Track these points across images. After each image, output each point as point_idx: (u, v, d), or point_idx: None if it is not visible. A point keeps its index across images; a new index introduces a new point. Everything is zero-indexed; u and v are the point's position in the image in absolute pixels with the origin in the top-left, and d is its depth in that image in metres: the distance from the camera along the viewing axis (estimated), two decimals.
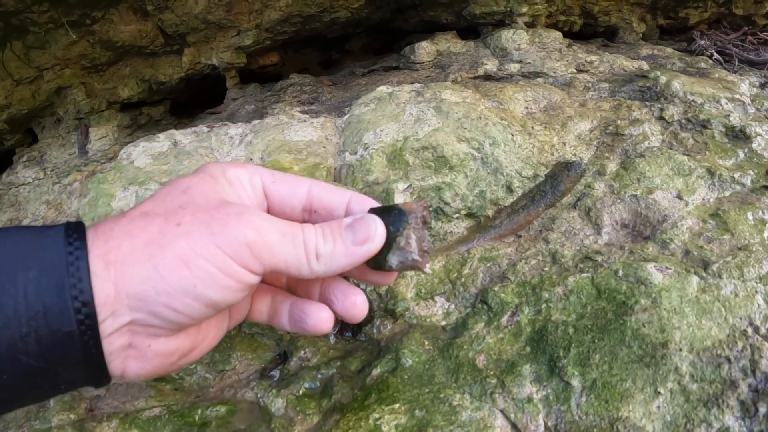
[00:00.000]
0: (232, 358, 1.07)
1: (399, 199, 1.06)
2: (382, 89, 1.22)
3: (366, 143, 1.14)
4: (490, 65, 1.38)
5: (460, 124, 1.15)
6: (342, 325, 1.05)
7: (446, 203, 1.09)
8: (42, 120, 1.58)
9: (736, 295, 0.94)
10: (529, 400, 0.86)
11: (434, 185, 1.10)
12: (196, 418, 1.00)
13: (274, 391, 0.98)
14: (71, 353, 0.43)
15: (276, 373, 1.02)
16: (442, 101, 1.19)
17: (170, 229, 0.47)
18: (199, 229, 0.47)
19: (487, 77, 1.36)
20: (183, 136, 1.29)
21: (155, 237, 0.46)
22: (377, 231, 0.54)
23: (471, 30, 1.54)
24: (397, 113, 1.17)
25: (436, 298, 1.02)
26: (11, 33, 1.35)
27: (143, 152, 1.29)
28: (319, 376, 0.98)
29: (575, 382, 0.86)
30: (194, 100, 1.70)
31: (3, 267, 0.42)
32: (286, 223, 0.52)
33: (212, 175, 0.54)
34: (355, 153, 1.14)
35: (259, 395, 1.00)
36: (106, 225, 0.48)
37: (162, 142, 1.29)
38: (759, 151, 1.26)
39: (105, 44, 1.41)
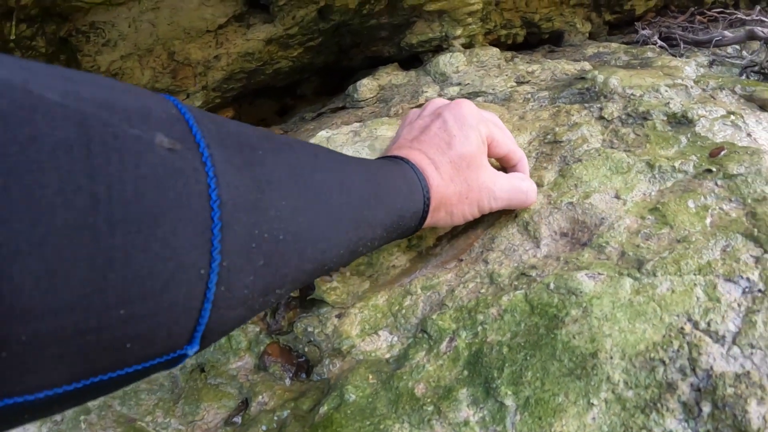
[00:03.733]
0: (200, 409, 1.10)
1: None
2: (322, 134, 1.25)
3: None
4: (430, 92, 1.39)
5: None
6: (297, 367, 1.08)
7: None
8: None
9: (673, 291, 0.92)
10: (466, 423, 0.87)
11: None
12: None
13: None
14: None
15: (238, 419, 1.05)
16: (376, 138, 1.21)
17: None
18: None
19: None
20: None
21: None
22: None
23: (415, 58, 1.55)
24: None
25: (380, 332, 1.04)
26: None
27: None
28: (275, 418, 1.00)
29: (509, 402, 0.86)
30: None
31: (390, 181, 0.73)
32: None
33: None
34: None
35: None
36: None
37: None
38: (703, 134, 1.23)
39: None
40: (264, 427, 0.99)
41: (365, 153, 1.18)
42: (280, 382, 1.06)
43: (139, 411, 1.16)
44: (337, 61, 1.58)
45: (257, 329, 1.12)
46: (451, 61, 1.43)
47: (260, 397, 1.05)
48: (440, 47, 1.48)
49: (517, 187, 1.01)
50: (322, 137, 1.26)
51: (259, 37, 1.39)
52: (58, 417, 1.22)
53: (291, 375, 1.06)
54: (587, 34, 1.73)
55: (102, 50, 1.36)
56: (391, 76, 1.47)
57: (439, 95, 1.39)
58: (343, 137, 1.24)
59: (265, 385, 1.06)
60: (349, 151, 1.20)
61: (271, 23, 1.38)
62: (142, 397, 1.17)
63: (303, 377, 1.07)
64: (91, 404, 1.20)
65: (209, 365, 1.14)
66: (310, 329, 1.07)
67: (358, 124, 1.28)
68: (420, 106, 1.40)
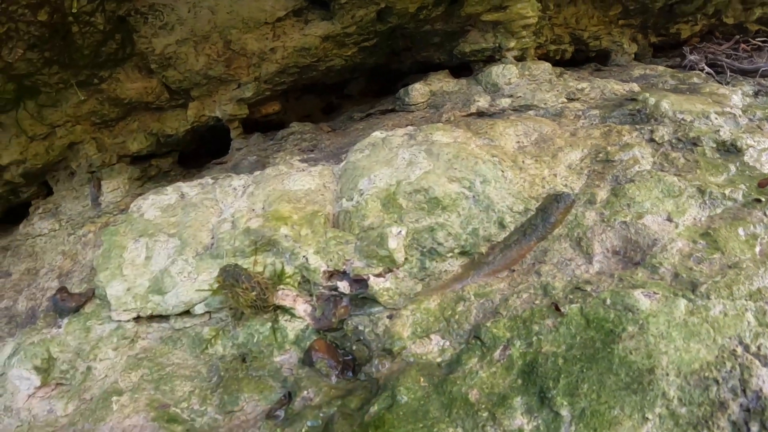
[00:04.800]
0: (240, 400, 1.14)
1: (392, 243, 1.14)
2: (376, 135, 1.30)
3: (361, 189, 1.22)
4: (482, 102, 1.45)
5: (451, 165, 1.22)
6: (344, 366, 1.13)
7: (440, 243, 1.16)
8: (56, 173, 1.71)
9: (725, 314, 0.98)
10: (520, 431, 0.92)
11: (428, 226, 1.17)
12: None
13: (278, 430, 1.06)
14: None
15: (281, 413, 1.10)
16: (433, 143, 1.26)
17: None
18: None
19: (480, 114, 1.43)
20: (189, 189, 1.39)
21: None
22: None
23: (464, 67, 1.61)
24: (390, 158, 1.25)
25: (432, 336, 1.09)
26: (24, 93, 1.47)
27: (152, 205, 1.39)
28: (321, 414, 1.04)
29: (564, 412, 0.91)
30: (202, 150, 1.81)
31: None
32: None
33: None
34: (351, 199, 1.22)
35: None
36: None
37: (170, 194, 1.39)
38: (751, 163, 1.30)
39: (113, 101, 1.53)
40: (309, 423, 1.04)
41: (422, 157, 1.24)
42: (326, 379, 1.11)
43: (173, 397, 1.19)
44: (387, 64, 1.64)
45: (304, 324, 1.17)
46: (503, 73, 1.49)
47: (305, 392, 1.10)
48: (492, 58, 1.54)
49: None
50: (376, 138, 1.32)
51: (316, 33, 1.44)
52: (86, 394, 1.26)
53: (337, 372, 1.11)
54: (633, 55, 1.80)
55: (159, 33, 1.41)
56: (442, 83, 1.53)
57: (491, 105, 1.45)
58: (398, 139, 1.30)
59: (311, 381, 1.10)
60: (405, 154, 1.26)
61: (330, 20, 1.43)
62: (176, 383, 1.21)
63: (349, 375, 1.12)
64: (123, 385, 1.24)
65: (251, 356, 1.18)
66: (360, 328, 1.12)
67: (411, 128, 1.33)
68: (471, 114, 1.47)
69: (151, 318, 1.29)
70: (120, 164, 1.65)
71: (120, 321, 1.29)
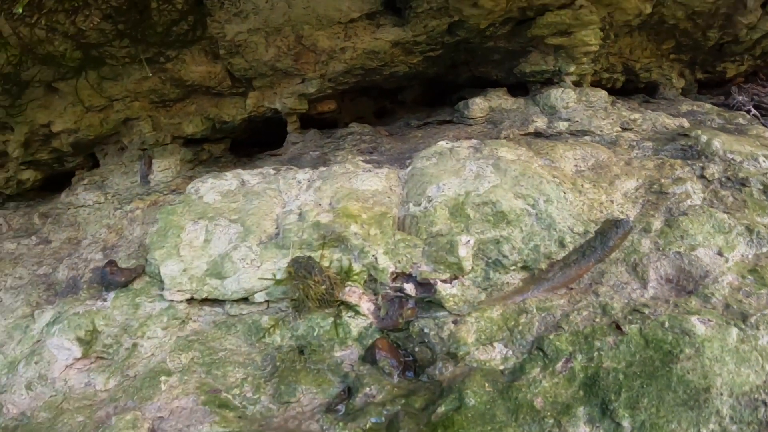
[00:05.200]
0: (297, 391, 1.23)
1: (462, 251, 1.25)
2: (442, 144, 1.42)
3: (429, 196, 1.33)
4: (540, 123, 1.57)
5: (517, 182, 1.34)
6: (405, 366, 1.23)
7: (504, 256, 1.27)
8: (106, 147, 1.79)
9: None
10: None
11: (493, 238, 1.29)
12: None
13: (340, 423, 1.15)
14: None
15: (342, 408, 1.19)
16: (499, 158, 1.38)
17: None
18: None
19: (537, 134, 1.55)
20: (250, 177, 1.49)
21: None
22: None
23: (520, 86, 1.74)
24: (457, 168, 1.37)
25: (495, 344, 1.20)
26: (88, 63, 1.56)
27: (212, 188, 1.48)
28: (385, 412, 1.14)
29: (626, 423, 1.03)
30: (252, 140, 1.90)
31: None
32: None
33: None
34: (419, 204, 1.33)
35: (324, 427, 1.17)
36: None
37: (230, 180, 1.49)
38: None
39: (175, 82, 1.63)
40: (373, 419, 1.14)
41: (490, 170, 1.35)
42: (388, 378, 1.21)
43: (225, 383, 1.28)
44: (444, 75, 1.76)
45: (368, 322, 1.27)
46: (562, 96, 1.62)
47: (367, 389, 1.20)
48: (550, 80, 1.67)
49: None
50: (443, 147, 1.43)
51: (386, 38, 1.56)
52: (130, 371, 1.34)
53: (399, 372, 1.21)
54: (680, 90, 1.95)
55: (232, 19, 1.51)
56: (501, 100, 1.66)
57: (548, 127, 1.58)
58: (465, 151, 1.41)
59: (373, 378, 1.20)
60: (473, 166, 1.37)
61: (401, 27, 1.55)
62: (229, 369, 1.30)
63: (410, 376, 1.22)
64: (172, 366, 1.32)
65: (310, 349, 1.28)
66: (426, 330, 1.23)
67: (476, 141, 1.45)
68: (528, 134, 1.59)
69: (204, 301, 1.38)
70: (173, 145, 1.74)
71: (172, 301, 1.38)
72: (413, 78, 1.74)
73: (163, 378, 1.29)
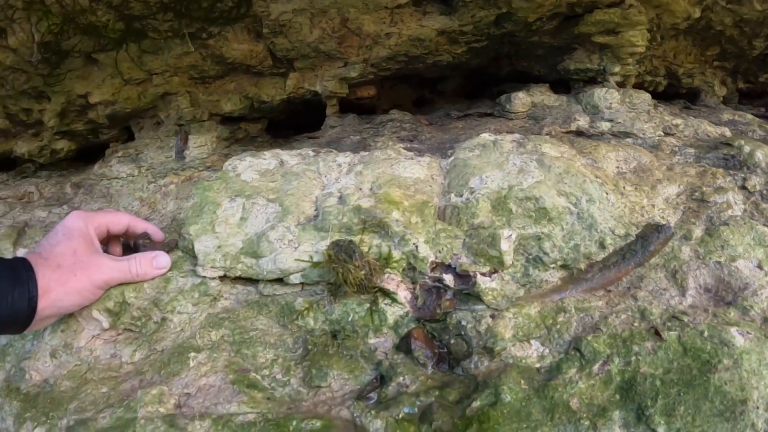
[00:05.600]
0: (329, 376, 1.23)
1: (504, 245, 1.24)
2: (486, 137, 1.41)
3: (472, 187, 1.32)
4: (582, 122, 1.56)
5: (561, 179, 1.33)
6: (439, 358, 1.23)
7: (545, 253, 1.27)
8: (142, 120, 1.79)
9: None
10: None
11: (534, 235, 1.28)
12: (291, 429, 1.16)
13: (372, 412, 1.15)
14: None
15: (374, 396, 1.19)
16: (543, 155, 1.38)
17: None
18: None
19: (579, 133, 1.55)
20: (289, 157, 1.48)
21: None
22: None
23: (560, 83, 1.73)
24: (501, 162, 1.36)
25: (532, 341, 1.20)
26: (130, 35, 1.56)
27: (249, 167, 1.48)
28: (418, 402, 1.14)
29: (661, 430, 1.03)
30: (289, 122, 1.90)
31: None
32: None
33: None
34: (461, 195, 1.33)
35: (355, 414, 1.17)
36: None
37: (268, 159, 1.48)
38: None
39: (216, 59, 1.62)
40: (407, 410, 1.14)
41: (533, 166, 1.35)
42: (422, 368, 1.21)
43: (255, 363, 1.27)
44: (485, 67, 1.75)
45: (404, 310, 1.27)
46: (606, 96, 1.61)
47: (401, 378, 1.19)
48: (594, 79, 1.66)
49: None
50: (486, 140, 1.43)
51: (433, 26, 1.55)
52: (158, 345, 1.34)
53: (433, 363, 1.21)
54: (721, 98, 1.94)
55: None
56: (544, 96, 1.65)
57: (590, 126, 1.57)
58: (508, 145, 1.41)
59: (407, 368, 1.20)
60: (516, 161, 1.36)
61: (448, 16, 1.54)
62: (258, 349, 1.29)
63: (444, 368, 1.22)
64: (201, 343, 1.31)
65: (344, 334, 1.27)
66: (463, 323, 1.23)
67: (519, 136, 1.44)
68: (570, 132, 1.58)
69: (237, 279, 1.38)
70: (210, 122, 1.74)
71: (205, 277, 1.38)
72: (455, 68, 1.73)
73: (192, 354, 1.29)
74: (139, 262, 1.34)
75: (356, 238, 1.28)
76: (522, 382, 1.14)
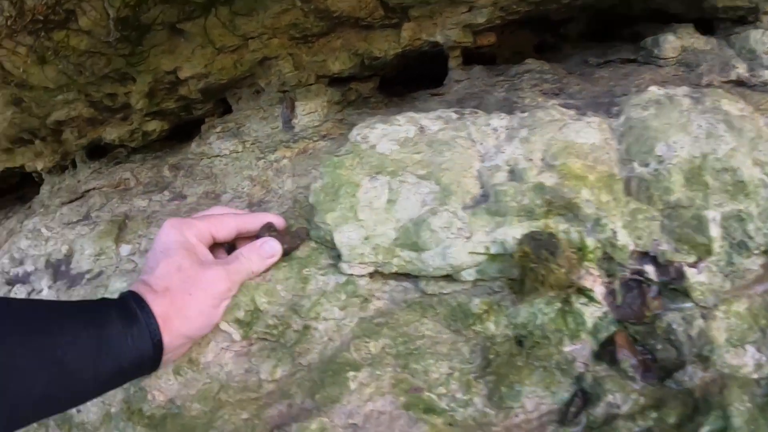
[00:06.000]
0: (522, 394, 1.06)
1: (714, 230, 1.07)
2: (656, 91, 1.23)
3: (659, 155, 1.14)
4: (741, 69, 1.39)
5: (755, 145, 1.17)
6: (644, 367, 1.06)
7: (750, 237, 1.10)
8: (238, 91, 1.58)
9: None
10: None
11: (734, 213, 1.11)
12: None
13: None
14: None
15: (583, 419, 1.02)
16: (727, 114, 1.20)
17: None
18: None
19: (739, 83, 1.39)
20: (429, 122, 1.27)
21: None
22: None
23: (700, 22, 1.54)
24: (683, 123, 1.18)
25: (747, 347, 1.04)
26: None
27: (384, 136, 1.27)
28: (636, 429, 0.98)
29: None
30: (399, 78, 1.69)
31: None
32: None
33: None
34: (646, 165, 1.15)
35: None
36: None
37: (404, 126, 1.27)
38: None
39: (320, 14, 1.39)
40: None
41: (722, 129, 1.18)
42: (630, 382, 1.05)
43: (427, 379, 1.10)
44: (615, 6, 1.55)
45: (602, 311, 1.10)
46: (763, 39, 1.43)
47: (610, 396, 1.03)
48: (744, 18, 1.47)
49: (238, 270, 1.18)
50: (657, 95, 1.24)
51: None
52: (302, 359, 1.15)
53: (640, 374, 1.05)
54: None
55: None
56: (693, 39, 1.46)
57: (751, 75, 1.40)
58: (685, 101, 1.22)
59: (614, 383, 1.04)
60: (701, 122, 1.17)
61: None
62: (429, 361, 1.12)
63: (652, 379, 1.05)
64: (358, 357, 1.13)
65: (532, 341, 1.10)
66: (673, 326, 1.06)
67: (689, 89, 1.27)
68: (730, 82, 1.40)
69: (388, 275, 1.19)
70: (317, 85, 1.52)
71: (352, 275, 1.19)
72: (587, 8, 1.52)
73: (350, 373, 1.11)
74: (249, 257, 1.16)
75: (539, 223, 1.10)
76: (745, 398, 0.99)
